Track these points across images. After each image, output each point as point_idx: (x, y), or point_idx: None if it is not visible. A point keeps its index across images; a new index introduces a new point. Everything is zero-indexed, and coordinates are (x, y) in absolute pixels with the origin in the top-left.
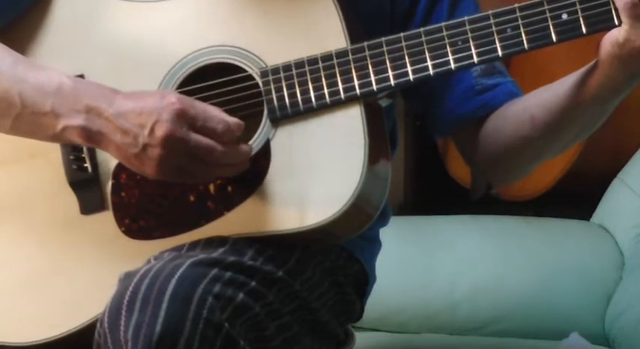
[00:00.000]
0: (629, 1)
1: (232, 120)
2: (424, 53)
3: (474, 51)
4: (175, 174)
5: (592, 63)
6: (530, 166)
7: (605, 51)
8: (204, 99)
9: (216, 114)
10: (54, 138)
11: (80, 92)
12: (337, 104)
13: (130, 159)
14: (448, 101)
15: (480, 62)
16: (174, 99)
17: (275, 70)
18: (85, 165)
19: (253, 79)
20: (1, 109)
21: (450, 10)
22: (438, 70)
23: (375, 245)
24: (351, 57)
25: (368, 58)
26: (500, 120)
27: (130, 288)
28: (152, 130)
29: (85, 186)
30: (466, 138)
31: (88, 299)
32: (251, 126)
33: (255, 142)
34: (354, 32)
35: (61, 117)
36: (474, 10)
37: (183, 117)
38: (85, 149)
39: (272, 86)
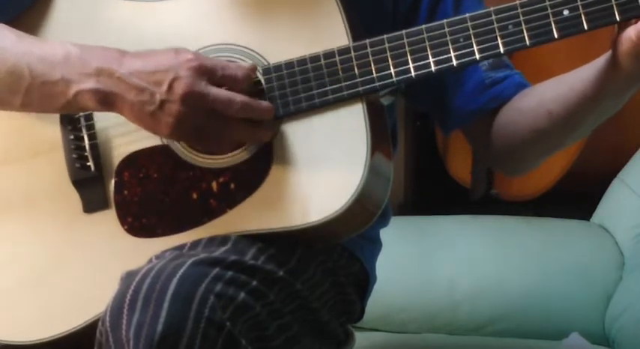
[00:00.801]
0: None
1: (247, 64)
2: (426, 50)
3: (475, 47)
4: (191, 133)
5: (607, 57)
6: (545, 157)
7: (624, 48)
8: None
9: (231, 63)
10: (67, 105)
11: (87, 57)
12: (340, 101)
13: (144, 117)
14: (460, 96)
15: (482, 58)
16: (190, 56)
17: (277, 68)
18: (88, 163)
19: (256, 77)
20: (11, 84)
21: (454, 6)
22: (439, 66)
23: (375, 245)
24: (353, 54)
25: (370, 55)
26: (515, 113)
27: (132, 287)
28: (171, 87)
29: (88, 184)
30: (478, 131)
31: (90, 297)
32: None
33: None
34: (356, 30)
35: (72, 83)
36: (478, 6)
37: (202, 72)
38: (87, 147)
39: (274, 84)
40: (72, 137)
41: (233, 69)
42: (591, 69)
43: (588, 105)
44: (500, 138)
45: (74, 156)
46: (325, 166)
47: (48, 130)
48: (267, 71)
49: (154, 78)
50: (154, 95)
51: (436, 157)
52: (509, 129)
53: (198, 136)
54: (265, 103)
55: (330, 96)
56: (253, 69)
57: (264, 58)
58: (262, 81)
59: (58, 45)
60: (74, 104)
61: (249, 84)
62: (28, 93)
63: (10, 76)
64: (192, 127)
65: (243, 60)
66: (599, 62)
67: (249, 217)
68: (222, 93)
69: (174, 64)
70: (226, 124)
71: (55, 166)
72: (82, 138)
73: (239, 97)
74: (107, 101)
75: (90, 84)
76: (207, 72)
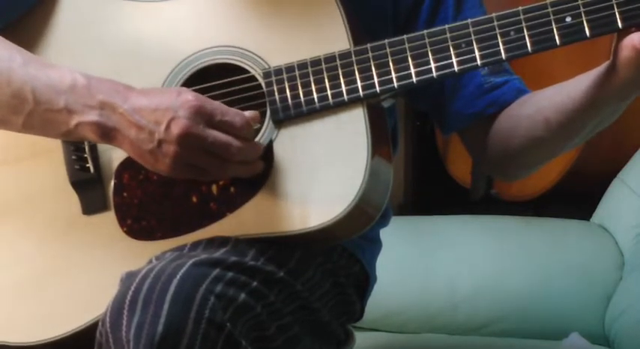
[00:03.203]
0: None
1: (249, 113)
2: (427, 55)
3: (477, 53)
4: (189, 171)
5: (606, 65)
6: (543, 163)
7: (624, 56)
8: None
9: (232, 109)
10: (67, 134)
11: (94, 88)
12: (340, 105)
13: (144, 155)
14: (458, 100)
15: (484, 65)
16: (190, 97)
17: (278, 71)
18: (87, 165)
19: (256, 79)
20: (14, 106)
21: (455, 6)
22: (441, 72)
23: (375, 245)
24: (354, 58)
25: (371, 60)
26: (512, 119)
27: (132, 288)
28: (168, 127)
29: (87, 186)
30: (475, 136)
31: (89, 299)
32: None
33: None
34: (357, 33)
35: (75, 114)
36: (479, 8)
37: (200, 114)
38: (87, 149)
39: (275, 87)
40: None
41: (232, 115)
42: (590, 77)
43: (586, 112)
44: (497, 144)
45: (73, 157)
46: (325, 171)
47: None
48: (267, 74)
49: (154, 116)
50: (153, 134)
51: (436, 157)
52: (507, 135)
53: (195, 174)
54: (260, 144)
55: (331, 101)
56: (255, 118)
57: (265, 61)
58: (262, 84)
59: (66, 72)
60: (74, 134)
61: (248, 132)
62: (29, 116)
63: (14, 99)
64: (188, 166)
65: (244, 62)
66: (598, 71)
67: (249, 221)
68: (219, 136)
69: (174, 104)
70: (222, 165)
71: (54, 167)
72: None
73: (235, 142)
74: (108, 135)
75: (92, 117)
76: (205, 114)
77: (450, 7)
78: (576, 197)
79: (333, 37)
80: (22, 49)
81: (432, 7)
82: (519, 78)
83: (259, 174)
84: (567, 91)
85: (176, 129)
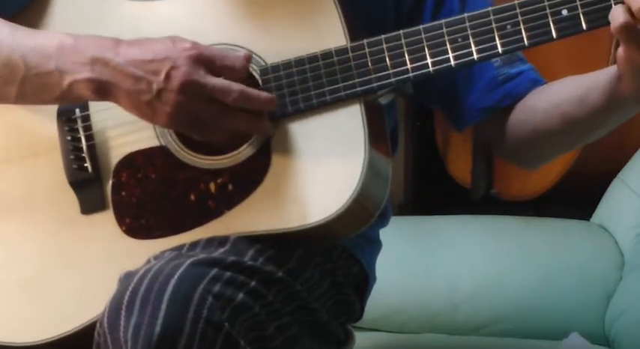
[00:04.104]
0: (622, 23)
1: (244, 52)
2: (424, 50)
3: (473, 48)
4: (189, 122)
5: (615, 71)
6: (560, 154)
7: (622, 69)
8: None
9: (230, 53)
10: (62, 96)
11: (81, 46)
12: (338, 102)
13: (141, 106)
14: (472, 93)
15: (480, 59)
16: (188, 45)
17: (275, 68)
18: (85, 164)
19: (253, 77)
20: (6, 76)
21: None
22: (437, 67)
23: (375, 245)
24: (350, 54)
25: (368, 56)
26: (528, 112)
27: (130, 288)
28: (168, 76)
29: (85, 185)
30: (490, 128)
31: (88, 298)
32: None
33: (256, 141)
34: (354, 30)
35: (67, 74)
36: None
37: (199, 61)
38: (85, 149)
39: (272, 84)
40: (69, 138)
41: (231, 59)
42: (606, 76)
43: (603, 112)
44: (514, 136)
45: (71, 157)
46: (323, 167)
47: (46, 130)
48: (264, 72)
49: (151, 67)
50: (151, 84)
51: (436, 157)
52: (523, 128)
53: (195, 125)
54: (265, 94)
55: (328, 97)
56: (248, 57)
57: (262, 59)
58: (260, 82)
59: (52, 35)
60: (69, 94)
61: (245, 72)
62: (22, 84)
63: (4, 68)
64: (189, 116)
65: None
66: (610, 73)
67: (248, 218)
68: (220, 82)
69: (172, 53)
70: (224, 113)
71: (53, 167)
72: (80, 139)
73: (237, 86)
74: (103, 90)
75: (85, 74)
76: (205, 61)
77: (455, 0)
78: (576, 197)
79: (330, 33)
80: (7, 21)
81: (437, 2)
82: (533, 67)
83: (257, 171)
84: (585, 89)
85: (177, 77)
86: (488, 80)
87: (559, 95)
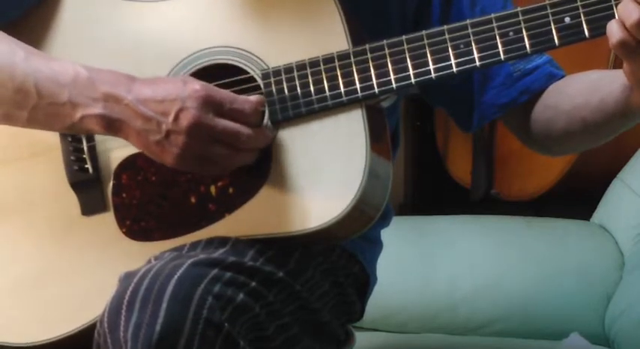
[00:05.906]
0: (618, 41)
1: (254, 97)
2: (426, 56)
3: (476, 54)
4: (196, 162)
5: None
6: (584, 149)
7: (630, 81)
8: None
9: (240, 96)
10: (72, 127)
11: (96, 80)
12: (339, 106)
13: (150, 146)
14: (489, 91)
15: (482, 66)
16: (198, 87)
17: (276, 72)
18: (86, 166)
19: (255, 80)
20: (18, 101)
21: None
22: (439, 73)
23: (376, 246)
24: (352, 59)
25: (370, 61)
26: (550, 111)
27: (130, 288)
28: (177, 117)
29: (86, 186)
30: (514, 121)
31: (88, 299)
32: None
33: None
34: (356, 34)
35: (79, 107)
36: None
37: (208, 104)
38: (85, 150)
39: (273, 88)
40: (70, 139)
41: (241, 102)
42: (619, 86)
43: (620, 119)
44: (539, 133)
45: (72, 158)
46: (324, 171)
47: (47, 131)
48: (266, 75)
49: (161, 107)
50: (161, 125)
51: (436, 157)
52: (546, 126)
53: (202, 166)
54: (267, 130)
55: (330, 102)
56: (261, 102)
57: (264, 62)
58: (261, 85)
59: (67, 65)
60: (79, 127)
61: (256, 118)
62: (34, 111)
63: (17, 94)
64: (197, 158)
65: (243, 63)
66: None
67: (248, 222)
68: (229, 125)
69: (182, 95)
70: (231, 155)
71: (53, 167)
72: (80, 140)
73: (246, 130)
74: (113, 127)
75: (96, 109)
76: (214, 104)
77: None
78: (576, 197)
79: (332, 37)
80: (23, 44)
81: (444, 2)
82: (550, 59)
83: (258, 174)
84: (601, 94)
85: (185, 119)
86: (504, 77)
87: (576, 98)
